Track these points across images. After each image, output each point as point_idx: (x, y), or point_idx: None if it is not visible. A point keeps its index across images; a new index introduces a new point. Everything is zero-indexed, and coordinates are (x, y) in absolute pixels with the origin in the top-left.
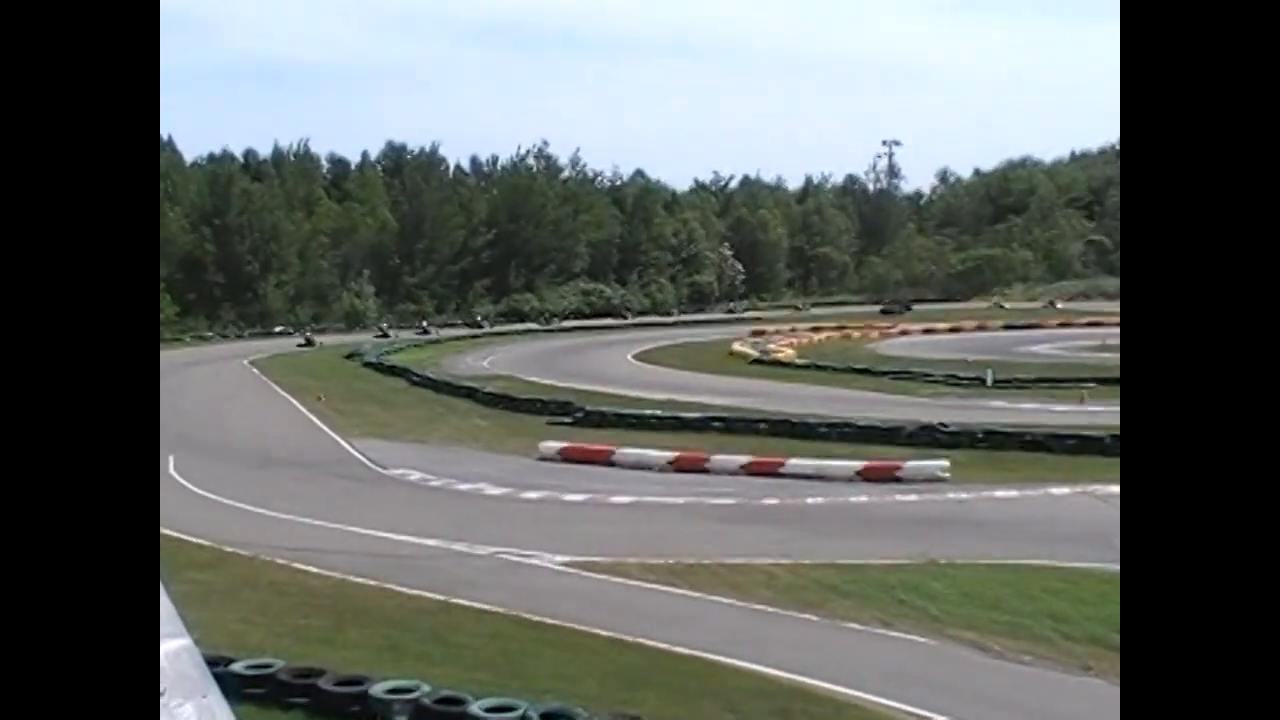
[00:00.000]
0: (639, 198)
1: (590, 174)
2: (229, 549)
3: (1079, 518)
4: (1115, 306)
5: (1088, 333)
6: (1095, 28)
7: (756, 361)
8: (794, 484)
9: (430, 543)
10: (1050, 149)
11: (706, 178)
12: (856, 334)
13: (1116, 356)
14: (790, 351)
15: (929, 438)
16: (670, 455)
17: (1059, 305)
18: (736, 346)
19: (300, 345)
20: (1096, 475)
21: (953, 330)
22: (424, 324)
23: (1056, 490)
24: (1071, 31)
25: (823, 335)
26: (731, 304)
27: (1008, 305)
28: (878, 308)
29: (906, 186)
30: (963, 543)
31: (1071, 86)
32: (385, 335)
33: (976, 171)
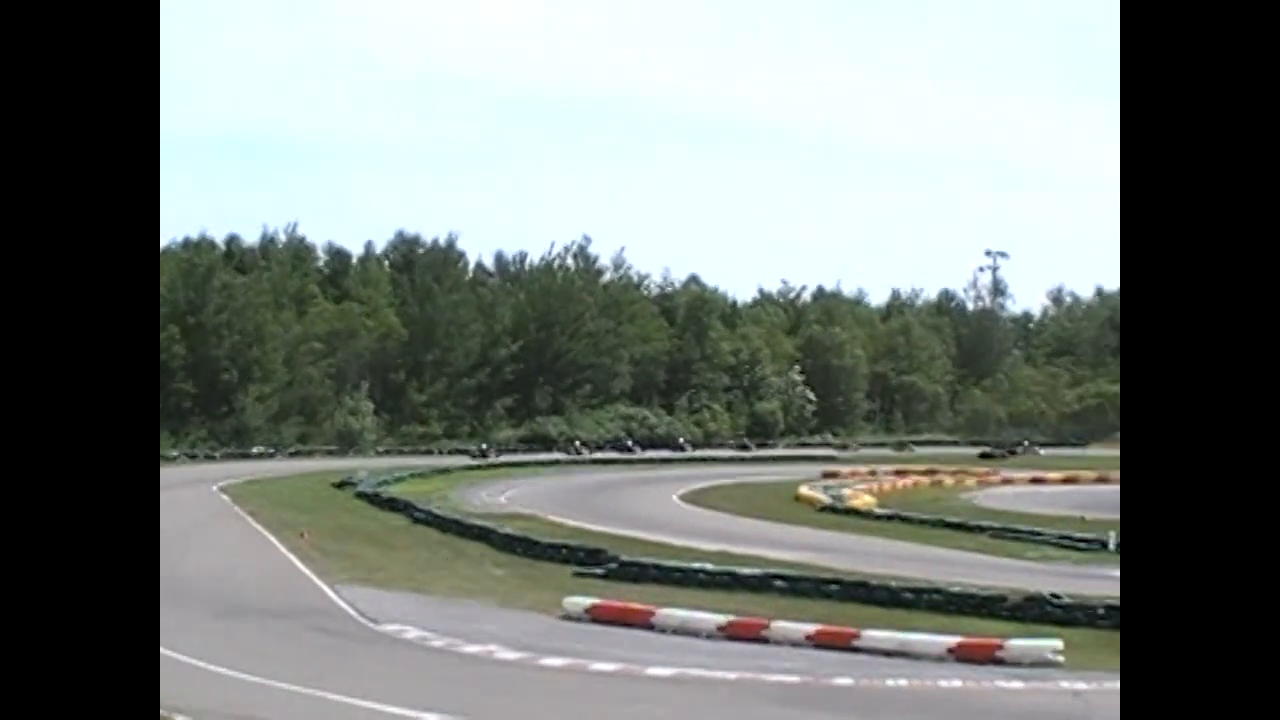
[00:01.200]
0: (692, 307)
1: (636, 278)
2: (178, 718)
3: None
4: None
5: None
6: None
7: (828, 509)
8: (871, 661)
9: (428, 718)
10: None
11: (774, 287)
12: (949, 480)
13: None
14: (869, 499)
15: (1038, 611)
16: (722, 619)
17: None
18: (804, 490)
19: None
20: None
21: (1067, 481)
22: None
23: None
24: None
25: (909, 480)
26: (845, 440)
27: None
28: (976, 450)
29: (1013, 306)
30: None
31: None
32: (484, 454)
33: (1099, 291)
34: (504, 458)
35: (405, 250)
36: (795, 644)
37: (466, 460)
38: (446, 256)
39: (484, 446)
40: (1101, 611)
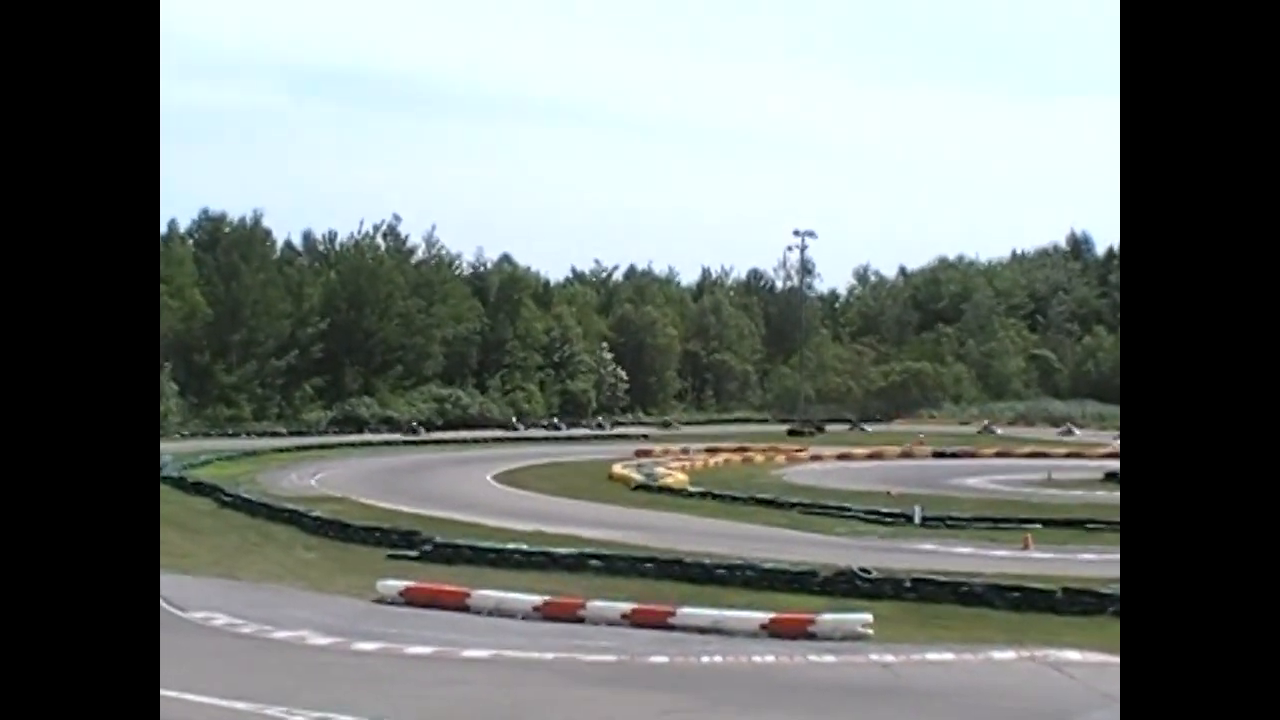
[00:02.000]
0: (504, 287)
1: (448, 257)
2: None
3: (1029, 689)
4: (1057, 434)
5: (1029, 464)
6: (1045, 104)
7: (641, 488)
8: (686, 638)
9: (239, 706)
10: (987, 248)
11: (586, 267)
12: (760, 457)
13: (1063, 494)
14: (681, 476)
15: (847, 585)
16: (538, 600)
17: (998, 430)
18: (618, 469)
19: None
20: (1046, 636)
21: (873, 456)
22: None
23: (999, 654)
24: (1016, 110)
25: (720, 458)
26: (669, 418)
27: (927, 429)
28: (784, 427)
29: (821, 285)
30: (890, 717)
31: (1014, 176)
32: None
33: (902, 271)
34: (433, 435)
35: (210, 229)
36: (611, 623)
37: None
38: (253, 235)
39: (415, 424)
40: (909, 584)
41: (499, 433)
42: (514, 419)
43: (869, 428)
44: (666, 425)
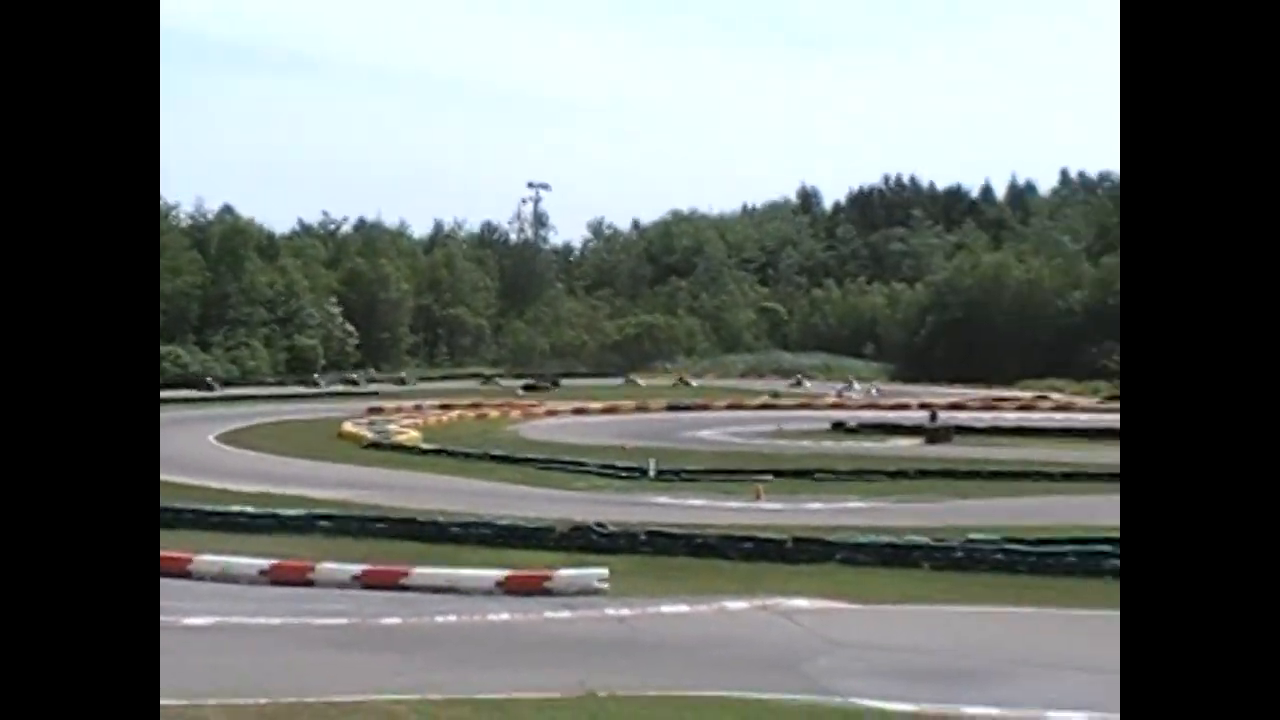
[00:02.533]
0: (227, 239)
1: (164, 208)
2: None
3: (760, 637)
4: (787, 386)
5: (760, 416)
6: (777, 57)
7: (373, 445)
8: (420, 599)
9: None
10: (719, 201)
11: (314, 219)
12: (494, 413)
13: (793, 445)
14: (414, 434)
15: (583, 540)
16: (265, 564)
17: (693, 383)
18: (348, 427)
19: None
20: (777, 586)
21: (608, 411)
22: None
23: (733, 604)
24: (748, 64)
25: (454, 414)
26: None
27: (643, 382)
28: (519, 382)
29: (555, 238)
30: (626, 670)
31: (745, 130)
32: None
33: (636, 224)
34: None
35: None
36: (343, 585)
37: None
38: None
39: (210, 380)
40: (643, 538)
41: (296, 389)
42: (316, 375)
43: (643, 382)
44: (402, 382)
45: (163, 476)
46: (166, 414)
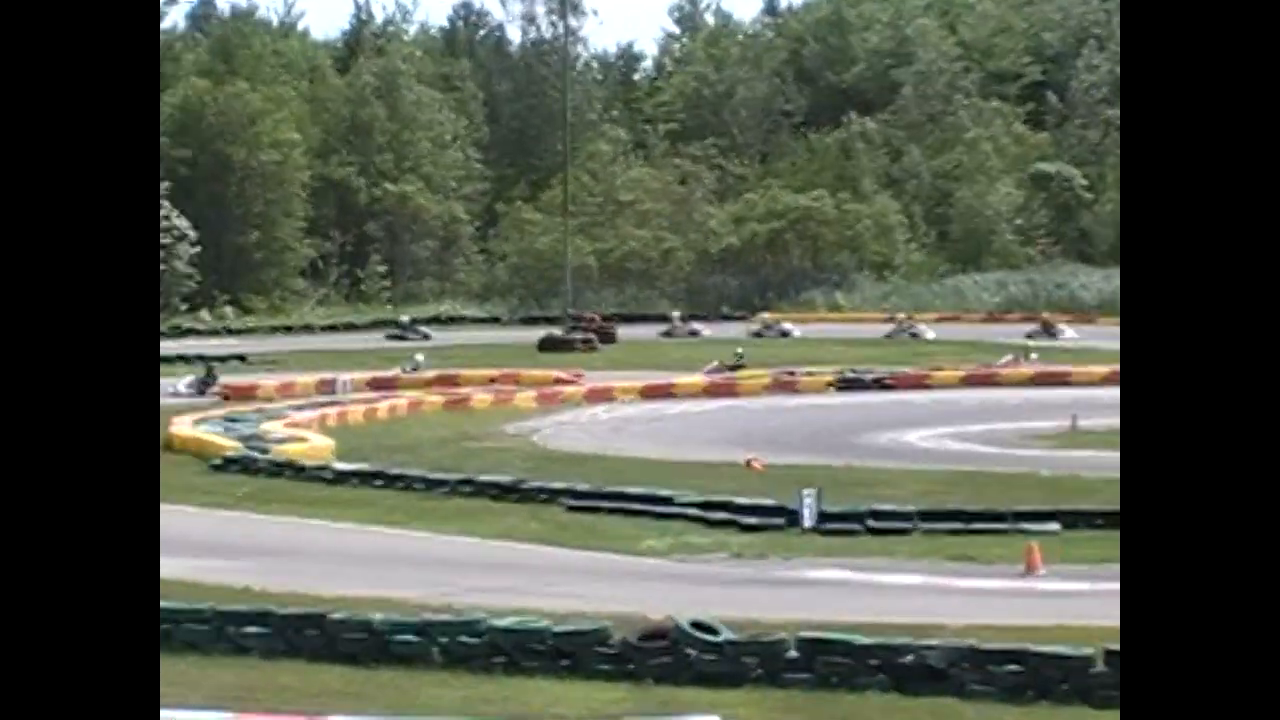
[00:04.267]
0: None
1: None
2: None
3: None
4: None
5: (1031, 398)
6: None
7: (233, 464)
8: None
9: None
10: None
11: None
12: (484, 399)
13: (1095, 455)
14: (320, 440)
15: (669, 659)
16: None
17: (927, 332)
18: (184, 428)
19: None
20: None
21: (717, 391)
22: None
23: None
24: None
25: (400, 401)
26: None
27: (795, 330)
28: (533, 334)
29: (598, 41)
30: None
31: None
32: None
33: (770, 6)
34: None
35: None
36: None
37: None
38: None
39: None
40: (793, 653)
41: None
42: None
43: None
44: (289, 329)
45: None
46: None
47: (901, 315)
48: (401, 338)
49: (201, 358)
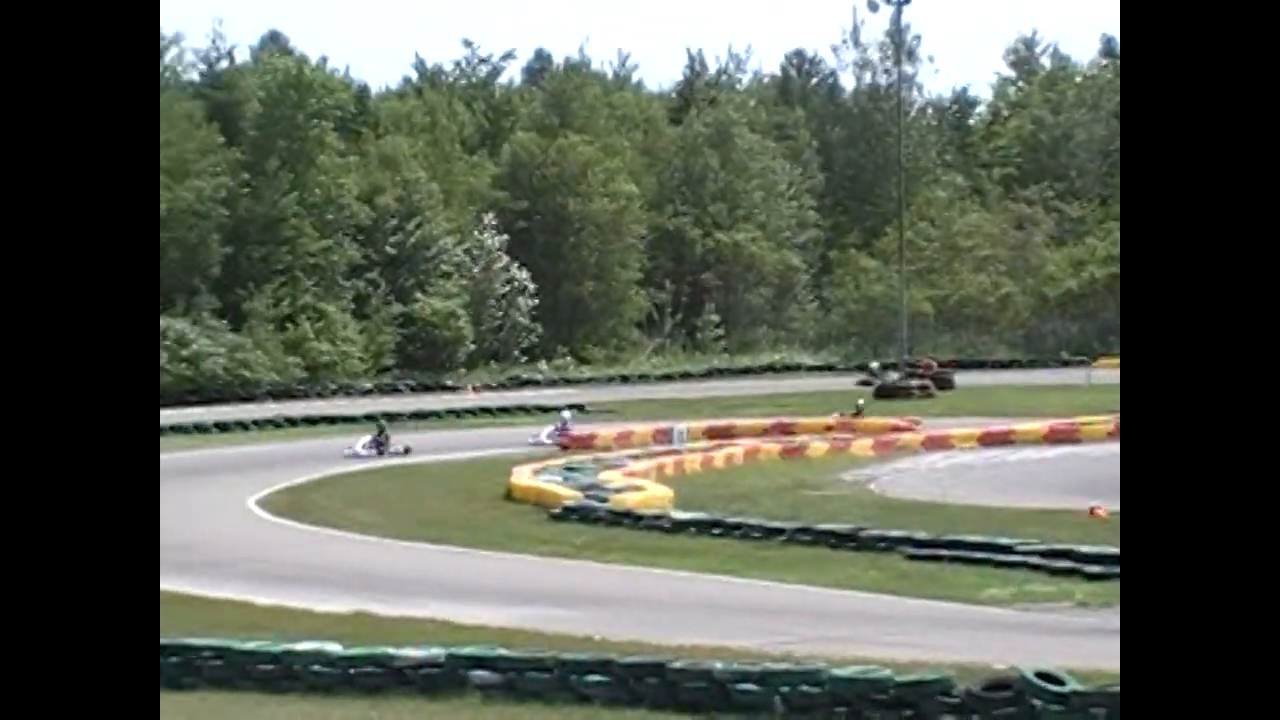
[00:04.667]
0: (276, 101)
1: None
2: None
3: None
4: None
5: None
6: None
7: (572, 513)
8: None
9: None
10: None
11: (436, 57)
12: (820, 446)
13: None
14: (659, 490)
15: (1014, 712)
16: None
17: None
18: (523, 478)
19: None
20: None
21: (1059, 437)
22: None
23: None
24: None
25: (735, 449)
26: None
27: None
28: (860, 381)
29: (930, 83)
30: None
31: None
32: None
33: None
34: None
35: None
36: None
37: None
38: None
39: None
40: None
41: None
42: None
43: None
44: (625, 379)
45: (177, 581)
46: (168, 456)
47: None
48: (901, 388)
49: (540, 408)
